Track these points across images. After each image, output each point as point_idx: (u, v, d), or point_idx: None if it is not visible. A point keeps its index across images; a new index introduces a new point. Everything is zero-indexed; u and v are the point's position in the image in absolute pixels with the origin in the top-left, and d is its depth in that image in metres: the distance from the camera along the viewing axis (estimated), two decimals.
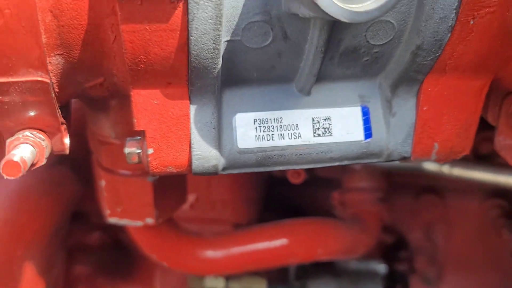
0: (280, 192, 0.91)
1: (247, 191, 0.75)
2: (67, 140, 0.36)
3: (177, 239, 0.55)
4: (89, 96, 0.37)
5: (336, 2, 0.26)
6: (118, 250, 0.94)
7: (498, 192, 0.96)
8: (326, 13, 0.27)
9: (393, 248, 1.13)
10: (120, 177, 0.47)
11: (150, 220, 0.49)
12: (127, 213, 0.49)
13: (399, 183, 0.99)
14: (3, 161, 0.29)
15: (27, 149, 0.32)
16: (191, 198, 0.72)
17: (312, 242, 0.60)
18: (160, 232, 0.53)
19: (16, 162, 0.31)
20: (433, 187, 1.00)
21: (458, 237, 1.04)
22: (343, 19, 0.26)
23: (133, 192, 0.48)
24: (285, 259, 0.59)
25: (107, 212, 0.49)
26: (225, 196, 0.72)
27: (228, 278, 0.74)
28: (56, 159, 0.55)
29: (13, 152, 0.30)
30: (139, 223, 0.49)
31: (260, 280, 0.72)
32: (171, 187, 0.50)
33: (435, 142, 0.40)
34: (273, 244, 0.58)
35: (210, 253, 0.56)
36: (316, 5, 0.27)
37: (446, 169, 0.71)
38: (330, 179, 0.84)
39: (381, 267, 0.99)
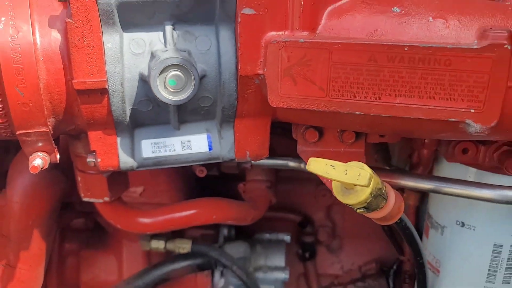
0: (208, 186, 1.24)
1: (178, 184, 1.10)
2: (58, 156, 0.71)
3: (124, 210, 0.90)
4: (68, 133, 0.73)
5: (166, 95, 0.62)
6: (97, 230, 1.20)
7: None
8: (162, 101, 0.63)
9: (301, 225, 1.38)
10: (88, 174, 0.83)
11: (107, 199, 0.84)
12: (94, 195, 0.84)
13: (303, 177, 1.27)
14: (30, 166, 0.65)
15: (39, 161, 0.67)
16: (139, 189, 1.08)
17: (212, 211, 0.95)
18: (114, 206, 0.88)
19: (36, 166, 0.66)
20: None
21: (350, 216, 1.32)
22: (171, 103, 0.62)
23: (95, 183, 0.83)
24: (193, 222, 0.93)
25: (82, 195, 0.84)
26: (163, 187, 1.07)
27: (166, 240, 1.08)
28: (52, 166, 0.90)
29: (34, 162, 0.65)
30: (101, 201, 0.85)
31: (187, 241, 1.07)
32: (117, 178, 0.86)
33: (247, 151, 0.75)
34: (186, 212, 0.93)
35: (145, 219, 0.91)
36: (159, 98, 0.63)
37: (303, 166, 1.06)
38: (237, 175, 1.19)
39: (287, 238, 1.24)
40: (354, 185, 0.59)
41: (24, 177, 0.84)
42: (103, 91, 0.62)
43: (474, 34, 0.57)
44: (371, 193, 0.60)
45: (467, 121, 0.59)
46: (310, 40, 0.61)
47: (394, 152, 1.09)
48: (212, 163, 0.86)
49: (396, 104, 0.61)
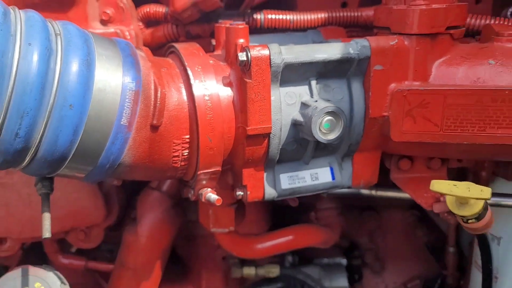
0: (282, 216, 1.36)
1: (263, 215, 1.22)
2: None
3: (241, 239, 1.01)
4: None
5: (321, 136, 0.77)
6: (175, 264, 1.34)
7: (412, 204, 1.35)
8: (318, 140, 0.77)
9: (349, 250, 1.48)
10: (218, 208, 0.94)
11: (232, 228, 0.96)
12: (221, 225, 0.94)
13: (349, 205, 1.38)
14: (213, 200, 0.75)
15: (214, 195, 0.76)
16: None
17: (306, 236, 1.08)
18: (232, 236, 0.99)
19: (219, 198, 0.75)
20: (371, 206, 1.40)
21: (391, 239, 1.43)
22: (325, 142, 0.77)
23: (224, 215, 0.94)
24: (294, 246, 1.06)
25: (210, 226, 0.95)
26: (252, 218, 1.19)
27: (256, 266, 1.19)
28: (174, 203, 1.01)
29: (210, 196, 0.76)
30: (226, 230, 0.96)
31: (275, 266, 1.19)
32: (239, 210, 0.98)
33: (362, 179, 0.91)
34: (287, 238, 1.06)
35: (259, 245, 1.03)
36: (314, 137, 0.77)
37: (374, 192, 1.21)
38: (308, 204, 1.32)
39: (343, 261, 1.36)
40: (476, 198, 0.74)
41: (153, 213, 0.95)
42: (266, 135, 0.76)
43: None
44: (484, 206, 0.76)
45: None
46: (429, 88, 0.78)
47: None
48: None
49: (498, 135, 0.78)
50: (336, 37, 0.90)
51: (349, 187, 0.88)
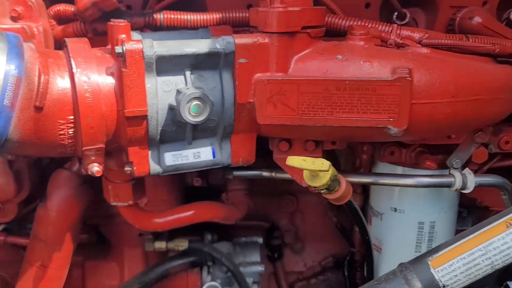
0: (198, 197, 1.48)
1: (175, 194, 1.35)
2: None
3: (142, 213, 1.14)
4: (110, 150, 0.98)
5: (190, 118, 0.90)
6: (99, 243, 1.42)
7: None
8: (187, 122, 0.91)
9: (270, 231, 1.61)
10: (117, 184, 1.06)
11: (131, 202, 1.08)
12: (120, 199, 1.07)
13: (270, 191, 1.52)
14: (94, 171, 0.89)
15: (97, 167, 0.90)
16: (144, 200, 1.32)
17: (206, 211, 1.21)
18: (133, 210, 1.11)
19: (100, 170, 0.89)
20: (290, 190, 1.53)
21: (309, 220, 1.57)
22: (193, 123, 0.90)
23: (122, 190, 1.07)
24: (194, 220, 1.19)
25: (111, 200, 1.08)
26: (164, 197, 1.31)
27: (167, 241, 1.32)
28: (83, 180, 1.13)
29: (93, 168, 0.89)
30: (126, 204, 1.08)
31: (184, 240, 1.32)
32: (137, 187, 1.10)
33: (240, 158, 1.04)
34: (187, 212, 1.19)
35: (158, 219, 1.15)
36: (184, 120, 0.90)
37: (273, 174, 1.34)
38: (219, 187, 1.45)
39: (260, 240, 1.48)
40: (319, 171, 0.89)
41: (62, 190, 1.07)
42: (144, 117, 0.89)
43: (388, 71, 0.90)
44: (330, 177, 0.91)
45: (389, 126, 0.92)
46: (285, 78, 0.93)
47: (342, 161, 1.41)
48: (202, 175, 1.15)
49: (343, 118, 0.93)
50: (222, 34, 1.03)
51: (229, 165, 1.02)
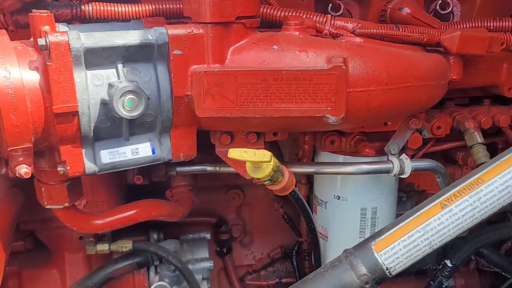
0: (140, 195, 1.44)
1: (115, 195, 1.30)
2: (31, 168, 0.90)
3: (80, 215, 1.08)
4: (41, 149, 0.92)
5: (125, 113, 0.86)
6: (36, 250, 1.34)
7: None
8: (122, 117, 0.87)
9: (217, 226, 1.59)
10: (50, 185, 1.00)
11: (66, 204, 1.03)
12: (55, 202, 1.00)
13: (216, 185, 1.52)
14: (22, 173, 0.83)
15: (25, 169, 0.84)
16: (83, 202, 1.26)
17: (149, 210, 1.17)
18: (71, 212, 1.05)
19: (28, 171, 0.83)
20: (236, 184, 1.52)
21: (256, 213, 1.59)
22: (128, 118, 0.87)
23: (57, 191, 1.01)
24: (137, 219, 1.14)
25: (45, 203, 1.02)
26: (103, 198, 1.27)
27: (110, 243, 1.28)
28: (13, 184, 1.07)
29: (21, 170, 0.83)
30: (61, 206, 1.03)
31: (127, 241, 1.28)
32: (74, 187, 1.05)
33: (181, 152, 1.02)
34: (129, 212, 1.14)
35: (98, 221, 1.10)
36: (119, 115, 0.87)
37: (218, 168, 1.32)
38: (163, 184, 1.41)
39: (207, 235, 1.47)
40: (261, 162, 0.88)
41: None
42: (75, 113, 0.85)
43: (324, 60, 0.91)
44: (272, 168, 0.90)
45: (327, 115, 0.92)
46: (222, 69, 0.91)
47: (285, 153, 1.42)
48: (144, 173, 1.12)
49: (282, 108, 0.92)
50: (155, 26, 0.99)
51: (169, 160, 0.99)
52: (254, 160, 0.88)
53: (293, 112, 0.92)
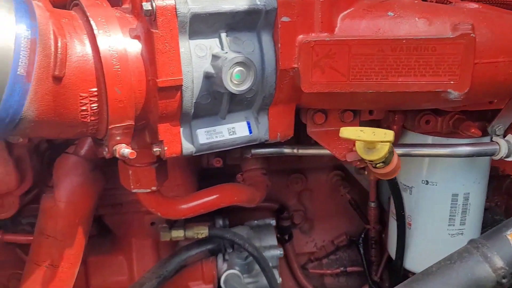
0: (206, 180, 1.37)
1: (190, 178, 1.22)
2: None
3: (165, 200, 1.00)
4: (136, 127, 0.84)
5: (232, 87, 0.78)
6: (101, 236, 1.29)
7: (336, 166, 1.45)
8: (229, 91, 0.78)
9: (278, 212, 1.51)
10: (138, 168, 0.92)
11: (154, 188, 0.94)
12: (142, 185, 0.93)
13: (277, 169, 1.42)
14: (126, 154, 0.74)
15: (127, 149, 0.76)
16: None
17: (231, 194, 1.09)
18: (156, 196, 0.97)
19: (133, 152, 0.74)
20: (298, 168, 1.45)
21: (318, 199, 1.50)
22: (237, 93, 0.78)
23: (145, 174, 0.93)
24: (220, 204, 1.07)
25: (132, 186, 0.94)
26: (178, 182, 1.19)
27: (185, 229, 1.20)
28: (94, 166, 0.99)
29: (123, 150, 0.75)
30: (149, 190, 0.94)
31: (204, 227, 1.20)
32: (161, 170, 0.97)
33: (278, 132, 0.93)
34: (212, 197, 1.07)
35: (183, 206, 1.02)
36: (226, 88, 0.78)
37: (295, 151, 1.24)
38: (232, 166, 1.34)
39: (272, 222, 1.40)
40: (381, 142, 0.79)
41: (71, 177, 0.92)
42: (178, 88, 0.76)
43: (448, 28, 0.81)
44: (389, 149, 0.81)
45: (449, 90, 0.83)
46: (334, 39, 0.82)
47: None
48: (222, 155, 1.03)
49: (398, 82, 0.83)
50: None
51: (266, 141, 0.90)
52: (373, 140, 0.79)
53: (410, 86, 0.83)
